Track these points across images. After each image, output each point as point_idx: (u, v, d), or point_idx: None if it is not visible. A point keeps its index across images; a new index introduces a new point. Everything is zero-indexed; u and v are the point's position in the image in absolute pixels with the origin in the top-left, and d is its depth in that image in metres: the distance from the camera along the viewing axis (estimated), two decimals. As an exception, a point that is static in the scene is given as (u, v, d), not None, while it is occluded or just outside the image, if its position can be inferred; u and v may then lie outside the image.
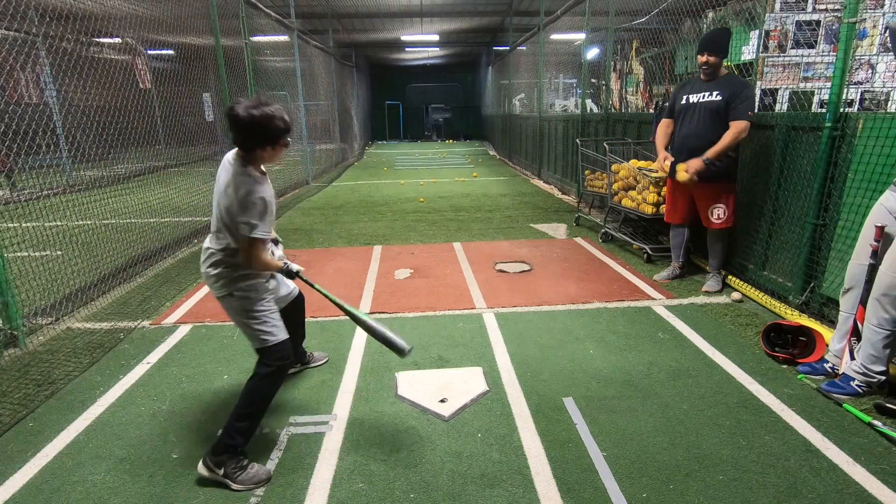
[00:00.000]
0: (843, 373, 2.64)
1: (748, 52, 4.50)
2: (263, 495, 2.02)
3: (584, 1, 7.51)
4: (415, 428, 2.43)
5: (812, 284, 3.41)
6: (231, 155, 2.12)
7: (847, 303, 2.67)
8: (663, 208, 4.45)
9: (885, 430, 2.29)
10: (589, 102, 8.50)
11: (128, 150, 5.07)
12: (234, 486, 2.05)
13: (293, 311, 2.65)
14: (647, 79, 7.72)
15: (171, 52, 6.20)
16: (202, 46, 6.28)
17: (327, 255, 5.30)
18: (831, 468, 2.11)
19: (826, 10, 4.10)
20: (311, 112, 11.42)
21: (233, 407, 2.14)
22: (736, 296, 3.87)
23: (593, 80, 8.87)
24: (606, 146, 5.54)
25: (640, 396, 2.65)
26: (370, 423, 2.48)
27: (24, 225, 3.89)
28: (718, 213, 3.88)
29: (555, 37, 9.89)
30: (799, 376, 2.80)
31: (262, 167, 2.15)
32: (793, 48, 4.17)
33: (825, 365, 2.80)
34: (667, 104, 4.34)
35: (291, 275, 2.31)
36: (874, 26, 3.85)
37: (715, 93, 3.75)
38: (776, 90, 4.29)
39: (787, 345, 3.01)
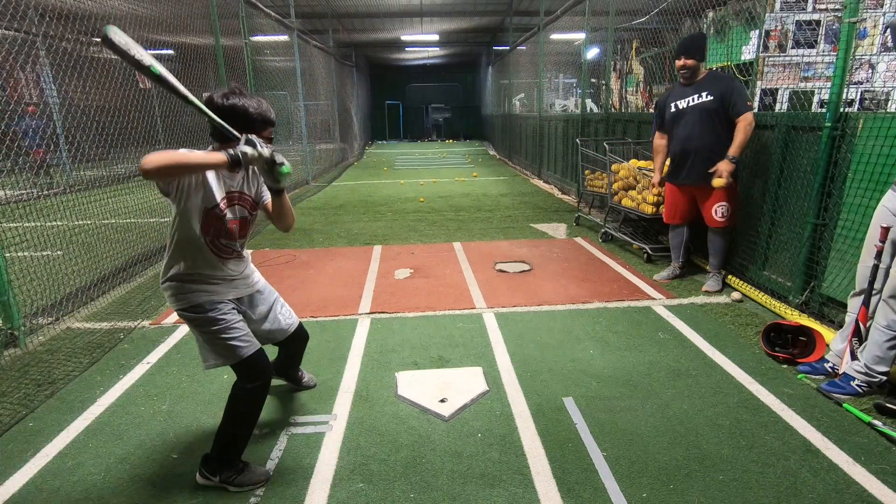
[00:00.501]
0: (844, 372, 2.64)
1: (748, 52, 4.50)
2: (263, 495, 2.02)
3: (584, 1, 7.51)
4: (415, 428, 2.43)
5: (812, 284, 3.41)
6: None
7: (855, 304, 2.67)
8: (663, 208, 4.45)
9: (885, 429, 2.29)
10: (589, 102, 8.50)
11: (128, 149, 5.07)
12: (233, 489, 2.04)
13: (292, 345, 2.46)
14: (647, 79, 7.71)
15: (171, 52, 6.20)
16: (202, 46, 6.28)
17: (327, 255, 5.30)
18: (831, 468, 2.11)
19: (826, 9, 4.10)
20: (311, 112, 11.42)
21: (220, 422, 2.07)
22: (736, 296, 3.87)
23: (593, 80, 8.87)
24: (606, 146, 5.54)
25: (640, 396, 2.65)
26: (370, 423, 2.48)
27: (24, 225, 3.89)
28: (722, 211, 3.89)
29: (555, 37, 9.89)
30: (799, 376, 2.80)
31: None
32: (793, 48, 4.18)
33: (825, 365, 2.80)
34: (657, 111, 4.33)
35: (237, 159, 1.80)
36: (874, 26, 3.85)
37: (704, 93, 3.77)
38: (776, 90, 4.29)
39: (787, 345, 3.01)
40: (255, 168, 1.92)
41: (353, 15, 14.81)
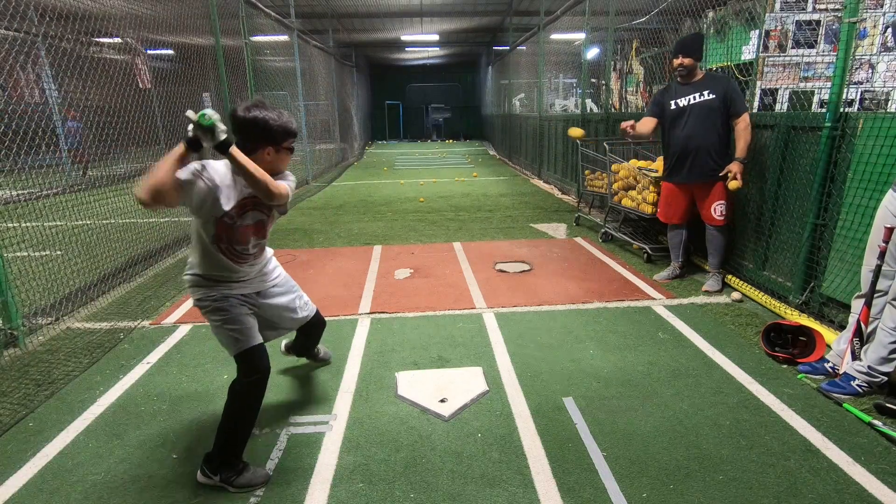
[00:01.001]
0: (844, 372, 2.64)
1: (748, 52, 4.50)
2: (263, 495, 2.02)
3: (584, 1, 7.51)
4: (415, 428, 2.43)
5: (812, 284, 3.41)
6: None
7: (858, 305, 2.67)
8: (659, 208, 4.44)
9: (885, 429, 2.29)
10: (589, 102, 8.50)
11: (128, 149, 5.07)
12: (232, 489, 2.04)
13: (311, 329, 2.64)
14: (647, 79, 7.71)
15: (170, 51, 6.20)
16: (202, 46, 6.28)
17: (327, 255, 5.30)
18: (831, 468, 2.11)
19: (826, 9, 4.10)
20: (311, 112, 11.43)
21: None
22: (736, 296, 3.87)
23: (593, 80, 8.87)
24: (606, 146, 5.53)
25: (640, 396, 2.65)
26: (370, 423, 2.48)
27: (24, 225, 3.89)
28: (721, 210, 3.90)
29: (555, 37, 9.89)
30: (799, 376, 2.80)
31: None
32: (793, 48, 4.17)
33: (825, 364, 2.80)
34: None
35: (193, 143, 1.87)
36: (874, 26, 3.85)
37: (706, 92, 3.80)
38: (776, 90, 4.29)
39: (787, 345, 3.01)
40: (201, 133, 1.81)
41: (353, 15, 14.81)
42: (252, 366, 2.08)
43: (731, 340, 3.24)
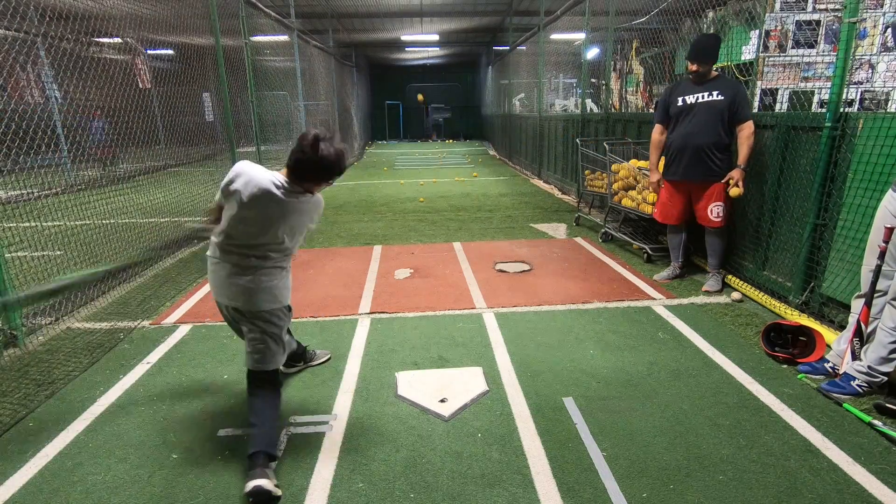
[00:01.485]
0: (844, 372, 2.64)
1: (748, 52, 4.50)
2: (263, 495, 2.02)
3: (584, 1, 7.51)
4: (415, 428, 2.43)
5: (812, 284, 3.41)
6: (277, 182, 2.06)
7: (858, 305, 2.67)
8: (658, 209, 4.44)
9: (885, 430, 2.29)
10: (589, 102, 8.50)
11: (127, 149, 5.07)
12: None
13: None
14: (647, 79, 7.72)
15: (170, 51, 6.20)
16: (202, 46, 6.28)
17: (327, 255, 5.30)
18: (831, 468, 2.11)
19: (826, 9, 4.10)
20: (311, 112, 11.42)
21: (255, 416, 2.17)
22: (736, 296, 3.87)
23: (593, 80, 8.87)
24: (606, 146, 5.54)
25: (640, 396, 2.65)
26: (370, 423, 2.48)
27: (23, 225, 3.89)
28: (718, 211, 3.90)
29: (555, 37, 9.89)
30: (799, 376, 2.80)
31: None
32: (793, 48, 4.17)
33: (825, 364, 2.80)
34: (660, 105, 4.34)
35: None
36: (874, 26, 3.85)
37: (715, 92, 3.78)
38: (776, 90, 4.29)
39: (787, 345, 3.01)
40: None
41: (353, 15, 14.80)
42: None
43: (731, 340, 3.24)
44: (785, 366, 2.92)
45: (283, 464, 2.20)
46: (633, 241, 5.20)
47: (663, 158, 4.17)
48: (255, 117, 7.35)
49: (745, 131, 3.71)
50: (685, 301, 3.89)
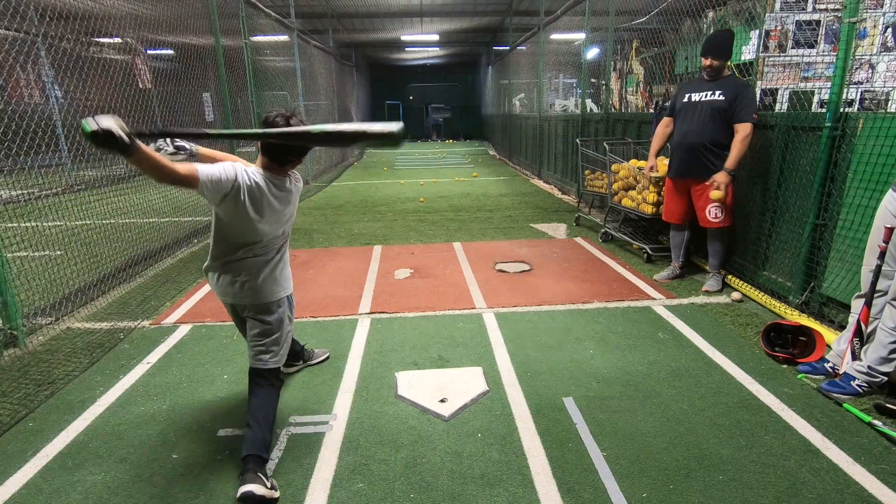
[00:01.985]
0: (844, 372, 2.64)
1: (748, 52, 4.49)
2: (263, 495, 2.02)
3: (584, 1, 7.51)
4: (415, 428, 2.43)
5: (812, 284, 3.41)
6: (261, 175, 2.04)
7: (858, 305, 2.67)
8: (663, 208, 4.45)
9: (885, 430, 2.29)
10: (589, 102, 8.50)
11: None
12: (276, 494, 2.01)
13: None
14: (647, 79, 7.71)
15: (170, 51, 6.20)
16: (202, 46, 6.28)
17: (327, 255, 5.30)
18: (831, 468, 2.11)
19: (826, 9, 4.10)
20: (311, 112, 11.41)
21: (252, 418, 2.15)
22: (736, 296, 3.87)
23: (593, 80, 8.87)
24: (606, 146, 5.53)
25: (640, 396, 2.65)
26: (370, 423, 2.48)
27: (24, 225, 3.89)
28: (716, 213, 3.89)
29: (555, 37, 9.88)
30: (799, 376, 2.80)
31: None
32: (793, 48, 4.17)
33: (825, 364, 2.80)
34: (667, 104, 4.36)
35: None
36: (874, 26, 3.85)
37: (718, 92, 3.78)
38: (776, 90, 4.29)
39: (787, 345, 3.01)
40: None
41: (353, 15, 14.79)
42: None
43: (731, 340, 3.24)
44: (785, 366, 2.92)
45: (283, 464, 2.20)
46: (633, 241, 5.20)
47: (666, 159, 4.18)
48: (255, 117, 7.35)
49: (740, 134, 3.66)
50: (685, 301, 3.89)
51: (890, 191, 2.51)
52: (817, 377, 2.77)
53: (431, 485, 2.06)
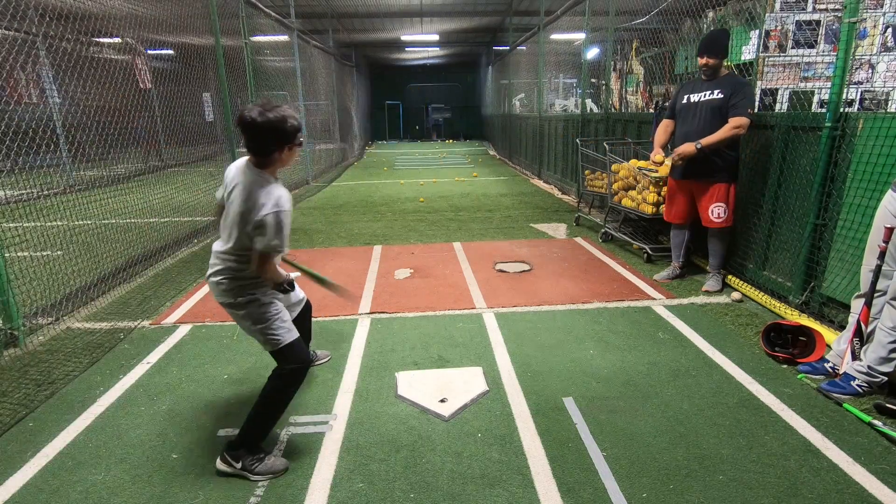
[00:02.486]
0: (844, 372, 2.64)
1: (748, 52, 4.49)
2: (263, 495, 2.02)
3: (584, 1, 7.51)
4: (415, 428, 2.43)
5: (812, 284, 3.41)
6: (242, 163, 2.08)
7: (858, 305, 2.67)
8: (663, 208, 4.45)
9: (885, 429, 2.29)
10: (589, 102, 8.50)
11: (128, 149, 5.07)
12: (253, 477, 2.08)
13: (301, 317, 2.63)
14: (647, 79, 7.71)
15: (171, 52, 6.20)
16: (202, 46, 6.28)
17: (327, 255, 5.30)
18: (831, 468, 2.11)
19: (826, 9, 4.09)
20: (311, 112, 11.42)
21: (251, 405, 2.16)
22: (736, 296, 3.87)
23: (593, 80, 8.87)
24: (606, 146, 5.53)
25: (640, 396, 2.65)
26: (370, 423, 2.48)
27: (24, 225, 3.89)
28: (718, 212, 3.89)
29: (555, 37, 9.89)
30: (799, 376, 2.80)
31: (276, 173, 2.11)
32: (793, 48, 4.17)
33: (825, 364, 2.80)
34: (667, 104, 4.36)
35: (290, 286, 2.25)
36: (874, 26, 3.85)
37: (716, 91, 3.78)
38: (776, 90, 4.29)
39: (787, 345, 3.01)
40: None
41: (353, 15, 14.80)
42: (301, 356, 2.19)
43: (731, 340, 3.24)
44: (785, 366, 2.92)
45: (283, 464, 2.20)
46: (633, 241, 5.20)
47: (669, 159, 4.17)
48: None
49: (731, 123, 3.64)
50: (685, 301, 3.89)
51: (890, 191, 2.51)
52: (817, 377, 2.77)
53: (431, 485, 2.06)
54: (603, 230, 5.66)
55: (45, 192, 5.90)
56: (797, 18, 4.13)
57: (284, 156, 2.07)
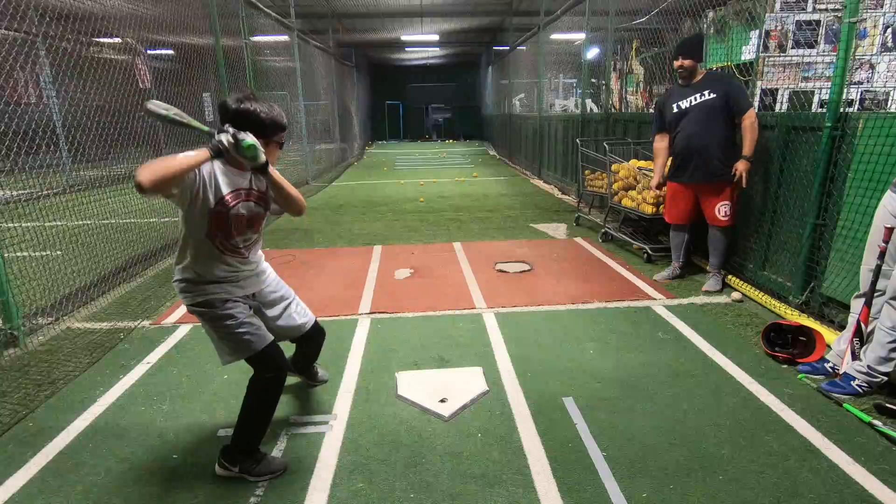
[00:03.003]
0: (844, 372, 2.64)
1: (748, 52, 4.49)
2: (263, 495, 2.02)
3: (584, 1, 7.51)
4: (415, 428, 2.43)
5: (812, 284, 3.41)
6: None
7: (858, 305, 2.67)
8: (663, 208, 4.45)
9: (885, 430, 2.29)
10: (589, 102, 8.50)
11: (128, 149, 5.07)
12: (251, 478, 2.07)
13: (308, 339, 2.48)
14: (647, 79, 7.71)
15: (170, 52, 6.20)
16: (202, 46, 6.28)
17: (327, 255, 5.30)
18: (831, 468, 2.11)
19: (826, 9, 4.10)
20: (311, 112, 11.42)
21: (238, 412, 2.13)
22: (736, 296, 3.87)
23: (593, 80, 8.87)
24: (606, 146, 5.53)
25: (641, 396, 2.65)
26: (370, 423, 2.48)
27: (24, 225, 3.89)
28: (725, 210, 3.90)
29: (555, 37, 9.89)
30: (799, 376, 2.80)
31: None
32: (793, 48, 4.17)
33: (825, 364, 2.80)
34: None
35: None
36: (874, 26, 3.85)
37: (706, 92, 3.80)
38: (776, 90, 4.29)
39: (787, 345, 3.01)
40: (237, 155, 1.86)
41: (353, 15, 14.79)
42: (270, 364, 2.09)
43: (730, 340, 3.24)
44: (785, 366, 2.92)
45: (283, 464, 2.20)
46: (633, 241, 5.20)
47: (670, 159, 4.16)
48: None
49: (747, 121, 3.68)
50: (685, 301, 3.89)
51: (889, 191, 2.51)
52: (817, 377, 2.77)
53: (431, 485, 2.06)
54: (603, 230, 5.66)
55: (45, 192, 5.89)
56: (797, 18, 4.13)
57: None
